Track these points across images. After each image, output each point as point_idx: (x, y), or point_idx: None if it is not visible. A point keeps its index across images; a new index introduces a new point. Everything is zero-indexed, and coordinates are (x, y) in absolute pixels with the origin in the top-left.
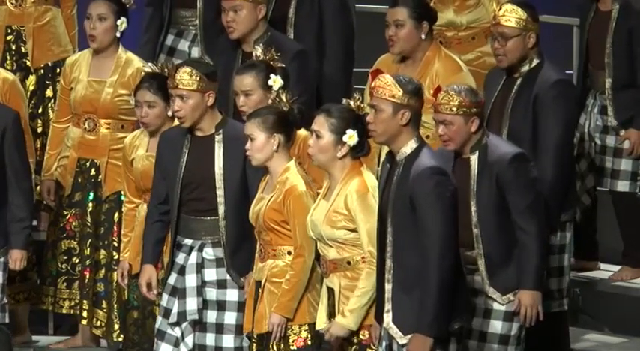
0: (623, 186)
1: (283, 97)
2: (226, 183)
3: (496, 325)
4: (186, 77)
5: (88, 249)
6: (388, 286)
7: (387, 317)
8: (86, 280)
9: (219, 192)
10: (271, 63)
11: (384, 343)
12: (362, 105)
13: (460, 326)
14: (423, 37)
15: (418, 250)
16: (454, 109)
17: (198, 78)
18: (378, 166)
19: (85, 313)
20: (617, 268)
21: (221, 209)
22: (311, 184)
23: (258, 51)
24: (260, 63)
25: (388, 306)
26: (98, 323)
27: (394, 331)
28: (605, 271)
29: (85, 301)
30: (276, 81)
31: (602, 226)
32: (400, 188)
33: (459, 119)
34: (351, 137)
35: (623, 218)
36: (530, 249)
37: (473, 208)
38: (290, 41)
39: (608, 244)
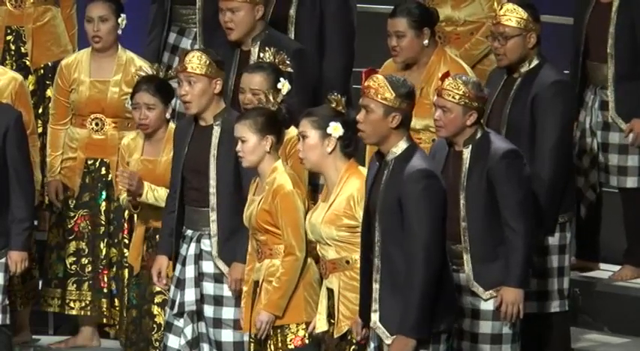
0: (632, 182)
1: (271, 97)
2: (219, 174)
3: (486, 326)
4: (195, 61)
5: (104, 249)
6: (376, 286)
7: (375, 316)
8: (105, 280)
9: (212, 182)
10: (280, 67)
11: (372, 345)
12: (343, 103)
13: (445, 328)
14: (426, 43)
15: (404, 251)
16: (456, 97)
17: (207, 63)
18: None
19: (106, 313)
20: (617, 268)
21: (212, 200)
22: (300, 183)
23: (267, 53)
24: (269, 65)
25: (375, 306)
26: (112, 322)
27: (381, 331)
28: (606, 271)
29: (104, 301)
30: (285, 85)
31: (602, 226)
32: (389, 188)
33: (458, 108)
34: (335, 128)
35: (632, 215)
36: (517, 247)
37: (462, 202)
38: (288, 40)
39: (608, 244)
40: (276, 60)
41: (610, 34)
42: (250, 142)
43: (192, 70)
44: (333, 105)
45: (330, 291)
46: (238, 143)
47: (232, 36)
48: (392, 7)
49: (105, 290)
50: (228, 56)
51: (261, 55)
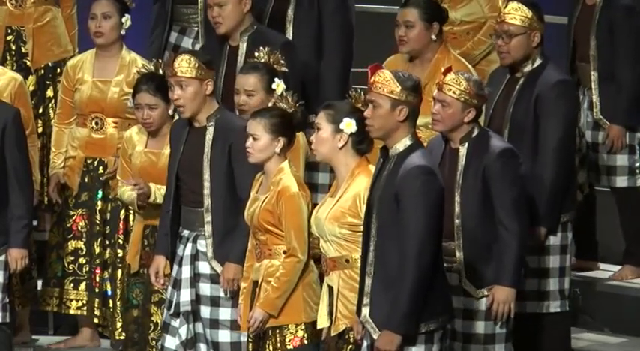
0: (621, 181)
1: (289, 99)
2: (213, 175)
3: (479, 326)
4: (184, 64)
5: (99, 248)
6: (368, 280)
7: (365, 310)
8: (98, 280)
9: (206, 183)
10: (275, 66)
11: (365, 343)
12: (362, 99)
13: (437, 327)
14: (434, 38)
15: (399, 247)
16: (457, 92)
17: (196, 65)
18: None
19: (97, 312)
20: (617, 268)
21: (207, 201)
22: (304, 185)
23: (262, 53)
24: (263, 65)
25: (366, 300)
26: (106, 322)
27: (371, 325)
28: (605, 271)
29: (96, 300)
30: (279, 85)
31: (602, 226)
32: (388, 184)
33: (457, 104)
34: (349, 125)
35: (627, 215)
36: (510, 245)
37: (457, 199)
38: (276, 34)
39: (608, 244)
40: (271, 60)
41: (592, 36)
42: (262, 141)
43: (182, 73)
44: (353, 101)
45: (330, 288)
46: (249, 139)
47: (220, 29)
48: (391, 7)
49: (97, 290)
50: (217, 54)
51: (255, 54)
